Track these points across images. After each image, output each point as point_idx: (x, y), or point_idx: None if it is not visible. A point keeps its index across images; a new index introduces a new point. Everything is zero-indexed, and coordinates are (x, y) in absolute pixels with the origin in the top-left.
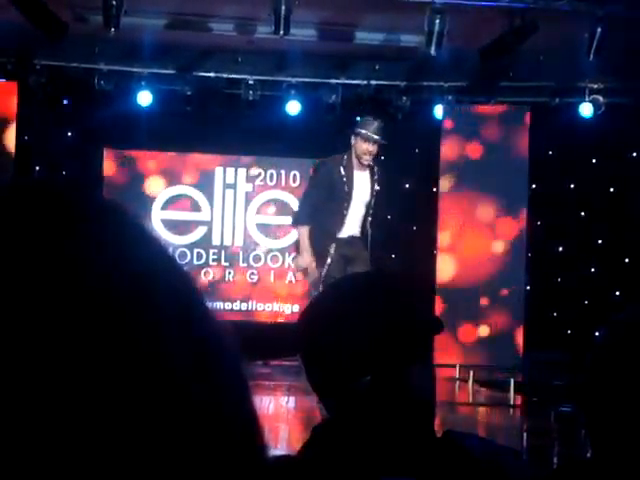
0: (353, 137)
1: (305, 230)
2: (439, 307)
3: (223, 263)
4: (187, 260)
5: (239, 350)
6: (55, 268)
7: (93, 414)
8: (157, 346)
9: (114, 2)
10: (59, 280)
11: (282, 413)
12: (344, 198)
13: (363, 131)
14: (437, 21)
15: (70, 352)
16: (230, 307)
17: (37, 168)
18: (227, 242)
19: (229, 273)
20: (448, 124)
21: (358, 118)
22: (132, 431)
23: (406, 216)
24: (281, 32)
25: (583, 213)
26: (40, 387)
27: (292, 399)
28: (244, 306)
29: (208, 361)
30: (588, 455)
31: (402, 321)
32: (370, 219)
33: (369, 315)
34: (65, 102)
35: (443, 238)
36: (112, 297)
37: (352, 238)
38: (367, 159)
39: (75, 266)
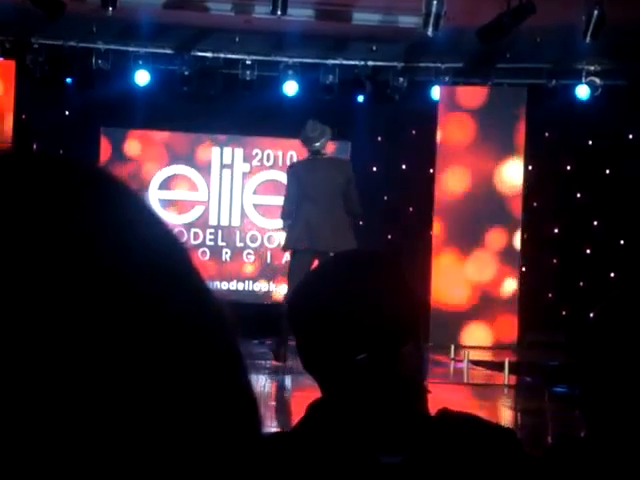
0: None
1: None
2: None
3: (220, 243)
4: (183, 240)
5: (236, 327)
6: (63, 244)
7: (102, 385)
8: (162, 324)
9: None
10: (67, 257)
11: (279, 392)
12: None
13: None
14: (434, 2)
15: (82, 330)
16: (227, 287)
17: (35, 146)
18: (224, 222)
19: (226, 253)
20: (445, 105)
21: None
22: (134, 401)
23: (403, 197)
24: (279, 12)
25: (579, 194)
26: (49, 362)
27: (289, 378)
28: (240, 286)
29: (207, 336)
30: (582, 435)
31: (401, 300)
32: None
33: (368, 293)
34: (63, 81)
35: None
36: (121, 275)
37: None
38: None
39: (83, 242)
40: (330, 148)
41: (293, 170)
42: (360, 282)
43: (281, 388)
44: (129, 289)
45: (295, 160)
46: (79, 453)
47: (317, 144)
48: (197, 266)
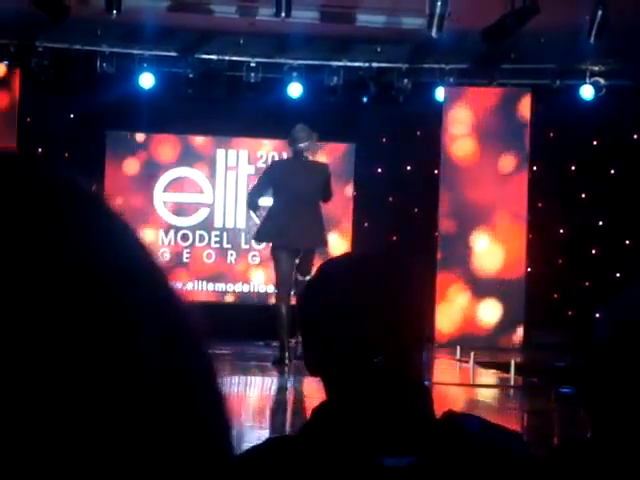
0: None
1: None
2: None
3: (225, 245)
4: (189, 242)
5: (206, 335)
6: (41, 250)
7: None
8: (131, 331)
9: None
10: (43, 262)
11: (283, 393)
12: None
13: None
14: (438, 3)
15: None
16: (232, 289)
17: (39, 150)
18: (229, 224)
19: (231, 255)
20: (449, 106)
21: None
22: (99, 412)
23: (407, 199)
24: (283, 14)
25: (584, 195)
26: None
27: (293, 378)
28: (246, 288)
29: (176, 347)
30: (587, 436)
31: (416, 303)
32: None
33: (386, 294)
34: (67, 84)
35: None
36: (94, 283)
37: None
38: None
39: (59, 250)
40: (335, 150)
41: (272, 168)
42: (378, 283)
43: (283, 390)
44: (103, 293)
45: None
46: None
47: (302, 145)
48: (169, 277)
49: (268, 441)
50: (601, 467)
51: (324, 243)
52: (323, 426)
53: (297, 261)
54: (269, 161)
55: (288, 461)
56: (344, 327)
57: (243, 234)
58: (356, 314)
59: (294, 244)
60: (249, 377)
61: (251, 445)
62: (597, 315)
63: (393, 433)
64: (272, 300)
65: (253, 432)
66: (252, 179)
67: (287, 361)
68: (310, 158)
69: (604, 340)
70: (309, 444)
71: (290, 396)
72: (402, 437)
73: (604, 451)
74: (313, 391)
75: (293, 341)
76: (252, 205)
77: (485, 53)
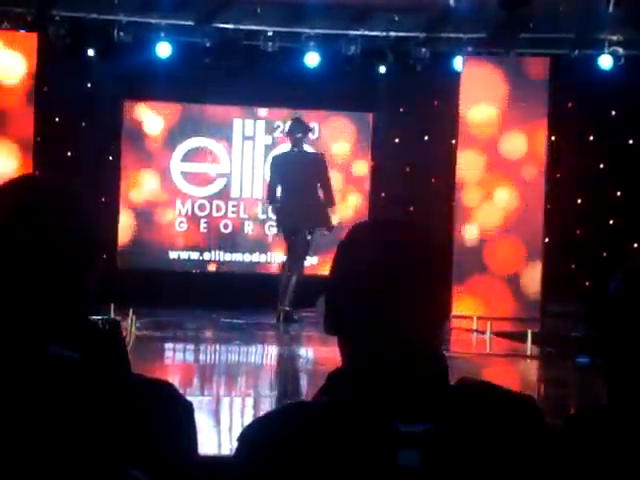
0: None
1: None
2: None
3: (242, 215)
4: (206, 212)
5: None
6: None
7: None
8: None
9: None
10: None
11: (300, 363)
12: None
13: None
14: None
15: None
16: (249, 259)
17: (57, 119)
18: (246, 194)
19: (248, 225)
20: (467, 76)
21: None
22: None
23: (425, 168)
24: None
25: (602, 165)
26: None
27: (309, 349)
28: (262, 258)
29: None
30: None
31: (445, 272)
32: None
33: (416, 264)
34: (85, 53)
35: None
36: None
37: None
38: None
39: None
40: (352, 119)
41: (273, 163)
42: (409, 251)
43: (303, 360)
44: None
45: (317, 131)
46: None
47: (298, 135)
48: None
49: (284, 407)
50: (617, 433)
51: (324, 223)
52: (339, 391)
53: (309, 237)
54: (286, 128)
55: (304, 426)
56: (372, 294)
57: (260, 204)
58: (387, 282)
59: (296, 224)
60: (266, 346)
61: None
62: (611, 284)
63: (409, 399)
64: None
65: (267, 400)
66: (269, 149)
67: (276, 320)
68: (306, 148)
69: (620, 290)
70: (324, 409)
71: (308, 365)
72: (418, 404)
73: (620, 418)
74: (325, 359)
75: (287, 309)
76: (272, 200)
77: (503, 22)
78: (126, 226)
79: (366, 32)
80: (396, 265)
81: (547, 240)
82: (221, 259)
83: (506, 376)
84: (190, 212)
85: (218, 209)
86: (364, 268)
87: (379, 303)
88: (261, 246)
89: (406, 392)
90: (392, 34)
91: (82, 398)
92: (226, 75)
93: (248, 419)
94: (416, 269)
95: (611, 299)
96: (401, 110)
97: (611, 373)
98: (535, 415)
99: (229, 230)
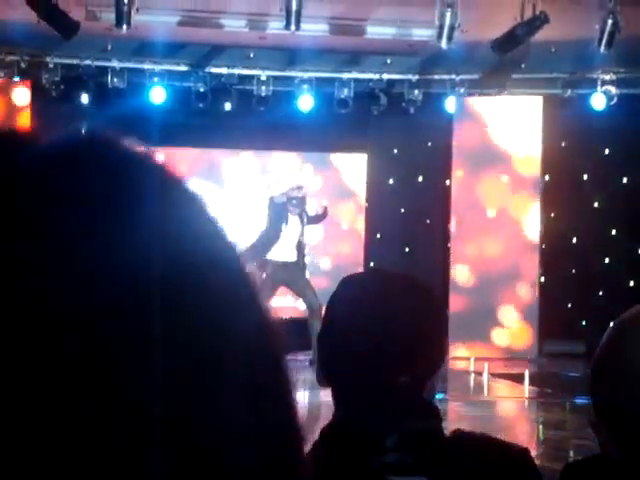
0: None
1: None
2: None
3: None
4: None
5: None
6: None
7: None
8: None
9: (126, 0)
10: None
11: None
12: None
13: None
14: (448, 14)
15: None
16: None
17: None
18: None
19: None
20: (460, 116)
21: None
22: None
23: (419, 209)
24: (292, 27)
25: (596, 204)
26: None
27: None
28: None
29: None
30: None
31: (442, 324)
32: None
33: (416, 315)
34: (78, 100)
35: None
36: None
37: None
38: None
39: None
40: (346, 161)
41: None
42: (408, 304)
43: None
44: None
45: (312, 173)
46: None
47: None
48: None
49: None
50: None
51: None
52: (331, 446)
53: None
54: (279, 175)
55: None
56: (372, 343)
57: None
58: (386, 335)
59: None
60: None
61: None
62: (605, 334)
63: (402, 452)
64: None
65: None
66: (262, 193)
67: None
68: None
69: (609, 359)
70: (318, 464)
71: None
72: (412, 457)
73: (619, 467)
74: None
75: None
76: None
77: (496, 63)
78: None
79: (359, 75)
80: (383, 317)
81: (543, 279)
82: None
83: (504, 420)
84: None
85: None
86: (352, 321)
87: (368, 356)
88: None
89: (399, 445)
90: (385, 76)
91: None
92: (220, 119)
93: None
94: (404, 320)
95: (602, 350)
96: (395, 151)
97: (608, 419)
98: (529, 468)
99: None
